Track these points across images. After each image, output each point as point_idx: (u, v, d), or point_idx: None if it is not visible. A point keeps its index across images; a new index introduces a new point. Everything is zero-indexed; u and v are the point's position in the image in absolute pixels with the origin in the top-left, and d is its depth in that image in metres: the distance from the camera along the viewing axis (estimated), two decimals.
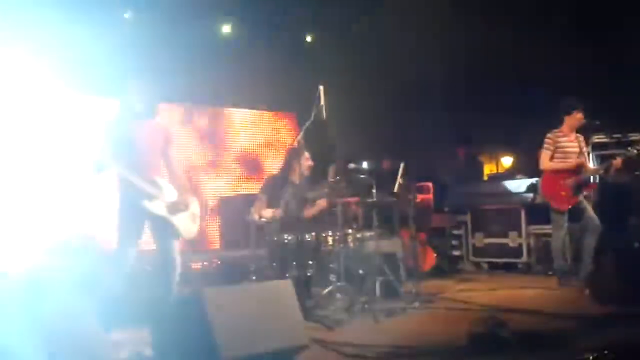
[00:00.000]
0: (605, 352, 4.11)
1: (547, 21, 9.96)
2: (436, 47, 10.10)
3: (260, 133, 11.13)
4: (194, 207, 5.30)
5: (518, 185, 9.36)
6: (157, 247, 5.20)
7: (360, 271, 6.45)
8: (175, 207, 5.09)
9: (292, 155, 6.64)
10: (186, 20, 9.22)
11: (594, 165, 7.44)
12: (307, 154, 6.65)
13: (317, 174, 6.91)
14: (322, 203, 6.77)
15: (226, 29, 10.14)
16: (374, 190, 6.60)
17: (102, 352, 3.85)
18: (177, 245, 5.17)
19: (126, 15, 9.23)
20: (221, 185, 10.44)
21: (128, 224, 5.01)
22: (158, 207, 5.01)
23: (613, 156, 7.29)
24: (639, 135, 8.26)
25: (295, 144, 6.30)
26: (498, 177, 11.21)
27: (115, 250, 5.05)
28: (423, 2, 9.18)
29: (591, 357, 4.05)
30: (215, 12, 9.82)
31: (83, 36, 8.02)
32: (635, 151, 7.14)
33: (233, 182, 10.62)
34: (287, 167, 6.75)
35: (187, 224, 5.21)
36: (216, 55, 9.80)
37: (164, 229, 5.11)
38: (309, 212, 6.73)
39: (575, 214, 7.22)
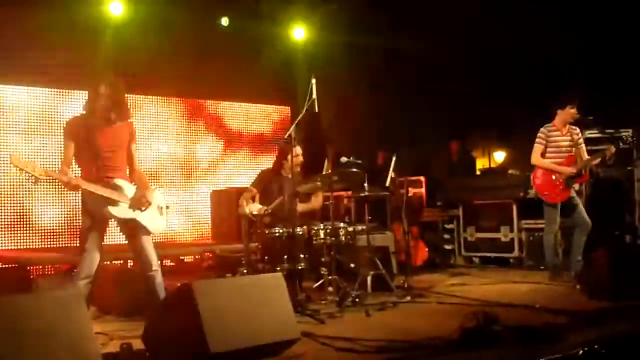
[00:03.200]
0: (596, 346, 4.11)
1: (539, 19, 9.96)
2: (430, 44, 10.11)
3: (255, 126, 11.11)
4: (158, 199, 5.28)
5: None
6: (130, 246, 5.20)
7: (352, 265, 6.43)
8: (139, 204, 5.07)
9: (284, 150, 6.61)
10: (182, 14, 9.23)
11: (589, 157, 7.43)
12: (298, 149, 6.61)
13: (309, 167, 6.90)
14: (315, 203, 6.76)
15: (224, 22, 10.15)
16: (366, 184, 6.59)
17: (92, 345, 3.81)
18: (148, 242, 5.16)
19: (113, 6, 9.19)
20: (215, 178, 10.43)
21: (92, 228, 5.02)
22: (123, 211, 4.99)
23: (605, 149, 7.31)
24: (629, 131, 8.27)
25: (287, 137, 6.26)
26: (490, 172, 11.24)
27: (80, 250, 5.05)
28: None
29: (581, 352, 4.05)
30: (211, 7, 9.81)
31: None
32: (626, 143, 7.19)
33: (227, 175, 10.61)
34: (279, 162, 6.74)
35: (154, 219, 5.18)
36: (212, 49, 9.79)
37: (133, 228, 5.11)
38: (302, 207, 6.72)
39: (566, 209, 7.23)
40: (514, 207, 9.07)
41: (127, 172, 5.20)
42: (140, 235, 5.13)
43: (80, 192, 5.02)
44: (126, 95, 5.22)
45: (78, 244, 5.14)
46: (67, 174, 4.83)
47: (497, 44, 10.02)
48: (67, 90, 9.10)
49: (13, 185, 8.51)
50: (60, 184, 4.96)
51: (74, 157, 5.00)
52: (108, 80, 5.06)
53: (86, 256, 4.98)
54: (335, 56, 9.98)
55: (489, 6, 9.53)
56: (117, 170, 5.07)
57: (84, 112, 5.11)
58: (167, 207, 5.37)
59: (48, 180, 5.00)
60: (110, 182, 4.98)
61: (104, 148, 4.99)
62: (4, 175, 8.43)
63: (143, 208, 5.07)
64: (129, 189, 5.07)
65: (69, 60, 8.37)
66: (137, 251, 5.16)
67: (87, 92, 5.17)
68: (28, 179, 4.62)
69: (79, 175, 5.03)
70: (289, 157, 6.35)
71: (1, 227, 8.34)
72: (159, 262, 5.30)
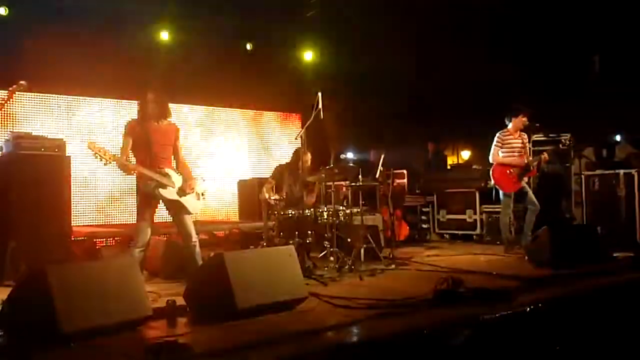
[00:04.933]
0: (540, 305, 4.12)
1: (498, 44, 9.96)
2: (411, 64, 10.11)
3: (273, 129, 11.12)
4: (198, 187, 5.30)
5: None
6: (175, 222, 5.22)
7: (349, 239, 6.44)
8: (183, 191, 5.11)
9: (298, 153, 6.64)
10: (217, 39, 9.26)
11: (532, 158, 7.44)
12: (308, 154, 6.64)
13: (316, 163, 6.90)
14: (309, 201, 6.78)
15: (248, 47, 10.19)
16: (360, 176, 6.59)
17: (144, 300, 3.84)
18: (189, 219, 5.18)
19: (165, 36, 9.19)
20: (241, 170, 10.43)
21: (145, 207, 5.05)
22: (170, 193, 5.04)
23: (546, 151, 7.32)
24: (567, 135, 8.25)
25: (298, 138, 6.27)
26: (458, 167, 11.22)
27: (136, 225, 5.09)
28: (397, 28, 9.17)
29: (528, 309, 4.06)
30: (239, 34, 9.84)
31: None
32: (563, 145, 7.21)
33: (250, 168, 10.62)
34: (293, 161, 6.75)
35: (193, 202, 5.22)
36: (240, 68, 9.80)
37: (177, 208, 5.14)
38: (308, 200, 6.73)
39: (519, 196, 7.23)
40: (477, 195, 9.07)
41: (174, 164, 5.23)
42: (182, 214, 5.14)
43: (136, 178, 5.06)
44: (168, 101, 5.24)
45: (135, 221, 5.17)
46: (127, 161, 4.90)
47: (464, 67, 10.03)
48: (127, 101, 9.10)
49: (84, 176, 8.52)
50: (121, 171, 4.98)
51: (131, 151, 5.03)
52: (154, 90, 5.09)
53: (140, 230, 5.01)
54: (338, 74, 9.97)
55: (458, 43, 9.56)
56: (165, 161, 5.10)
57: (138, 116, 5.13)
58: (204, 194, 5.40)
59: (114, 168, 4.99)
60: (161, 170, 5.01)
61: (155, 143, 5.02)
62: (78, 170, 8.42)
63: (187, 192, 5.11)
64: (175, 177, 5.11)
65: (128, 76, 8.35)
66: (180, 226, 5.19)
67: (138, 100, 5.19)
68: (100, 162, 4.66)
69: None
70: (301, 158, 6.38)
71: (75, 209, 8.33)
72: (197, 235, 5.32)
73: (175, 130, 5.26)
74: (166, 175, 5.03)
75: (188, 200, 5.14)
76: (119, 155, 4.91)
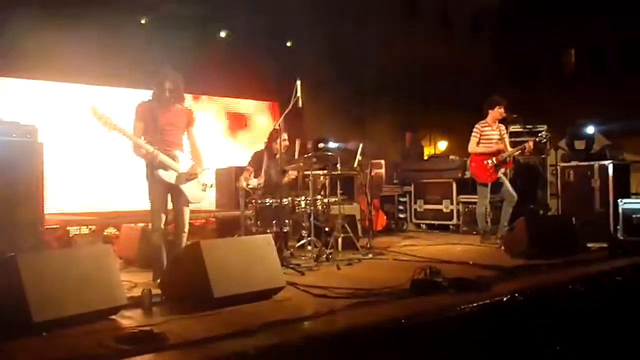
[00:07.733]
0: (516, 295, 4.15)
1: (476, 36, 10.01)
2: (389, 55, 10.11)
3: (250, 116, 11.03)
4: (206, 178, 5.17)
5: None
6: (173, 210, 5.09)
7: (326, 229, 6.43)
8: (186, 177, 4.96)
9: (274, 136, 6.56)
10: (193, 27, 9.11)
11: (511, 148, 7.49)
12: (285, 135, 6.56)
13: (293, 150, 6.86)
14: (294, 174, 6.74)
15: (222, 34, 10.07)
16: (338, 165, 6.57)
17: (119, 289, 3.77)
18: (185, 210, 5.04)
19: (142, 21, 9.06)
20: (218, 158, 10.34)
21: (155, 190, 4.91)
22: (169, 177, 4.88)
23: (526, 141, 7.37)
24: (544, 127, 8.33)
25: (277, 126, 6.21)
26: (435, 157, 11.28)
27: (151, 212, 4.95)
28: (377, 19, 9.15)
29: (505, 299, 4.09)
30: (214, 21, 9.69)
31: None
32: (542, 138, 7.27)
33: (227, 156, 10.53)
34: (270, 145, 6.68)
35: (195, 191, 5.05)
36: (217, 56, 9.67)
37: (176, 195, 5.00)
38: (285, 179, 6.70)
39: (496, 187, 7.28)
40: (454, 185, 9.12)
41: (184, 149, 5.10)
42: (180, 202, 5.00)
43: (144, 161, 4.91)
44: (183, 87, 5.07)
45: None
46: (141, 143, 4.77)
47: (442, 56, 10.07)
48: (100, 87, 8.92)
49: (58, 164, 8.35)
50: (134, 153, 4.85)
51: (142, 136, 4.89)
52: (171, 75, 4.96)
53: (154, 214, 4.89)
54: (318, 63, 9.92)
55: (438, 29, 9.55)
56: (173, 145, 4.97)
57: (151, 99, 4.99)
58: (212, 186, 5.26)
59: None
60: (170, 152, 4.89)
61: (165, 126, 4.90)
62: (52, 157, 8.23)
63: (187, 179, 4.97)
64: (184, 161, 4.98)
65: (102, 61, 8.16)
66: (175, 213, 5.05)
67: (154, 82, 5.00)
68: (103, 129, 4.51)
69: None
70: (278, 140, 6.32)
71: (49, 197, 8.15)
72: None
73: (187, 116, 5.11)
74: (175, 157, 4.91)
75: (188, 189, 4.98)
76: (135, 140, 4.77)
